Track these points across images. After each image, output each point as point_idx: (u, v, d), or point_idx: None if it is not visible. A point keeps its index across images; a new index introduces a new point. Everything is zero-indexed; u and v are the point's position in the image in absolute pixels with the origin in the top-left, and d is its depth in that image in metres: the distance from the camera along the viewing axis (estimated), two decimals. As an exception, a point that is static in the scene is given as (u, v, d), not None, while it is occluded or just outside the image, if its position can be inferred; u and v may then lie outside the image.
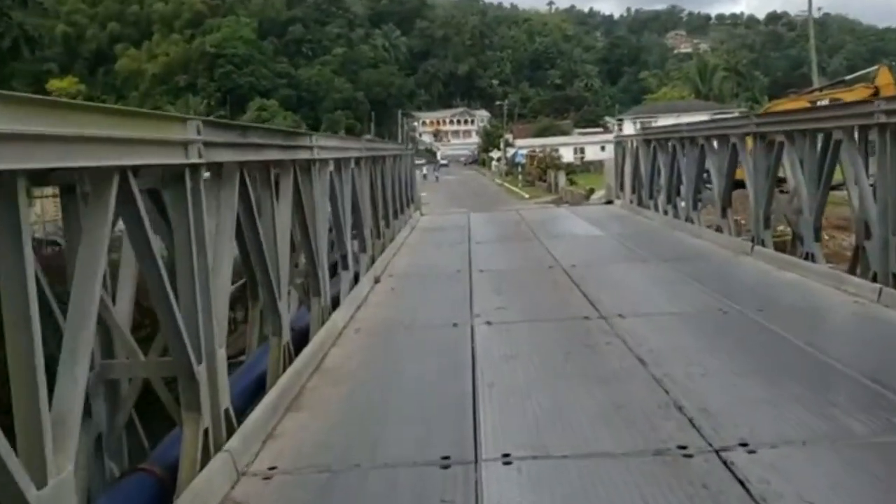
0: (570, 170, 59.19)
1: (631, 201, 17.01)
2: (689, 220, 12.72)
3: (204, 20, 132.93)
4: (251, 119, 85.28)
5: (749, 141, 10.83)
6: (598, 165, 76.05)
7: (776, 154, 9.27)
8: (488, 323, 6.82)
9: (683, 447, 3.90)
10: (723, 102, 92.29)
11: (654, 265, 9.63)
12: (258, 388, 5.47)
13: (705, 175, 12.50)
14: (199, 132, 3.93)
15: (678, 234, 12.40)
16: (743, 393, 4.66)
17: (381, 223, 11.67)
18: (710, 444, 3.92)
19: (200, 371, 3.91)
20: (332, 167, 7.77)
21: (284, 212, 5.86)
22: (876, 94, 26.33)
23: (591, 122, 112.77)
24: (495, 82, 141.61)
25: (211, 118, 4.32)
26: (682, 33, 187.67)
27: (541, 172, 62.71)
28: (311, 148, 6.81)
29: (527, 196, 50.15)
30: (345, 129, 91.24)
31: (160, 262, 3.55)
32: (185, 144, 3.85)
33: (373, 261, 10.11)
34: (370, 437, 4.29)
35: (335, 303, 7.70)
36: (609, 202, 18.95)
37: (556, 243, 11.96)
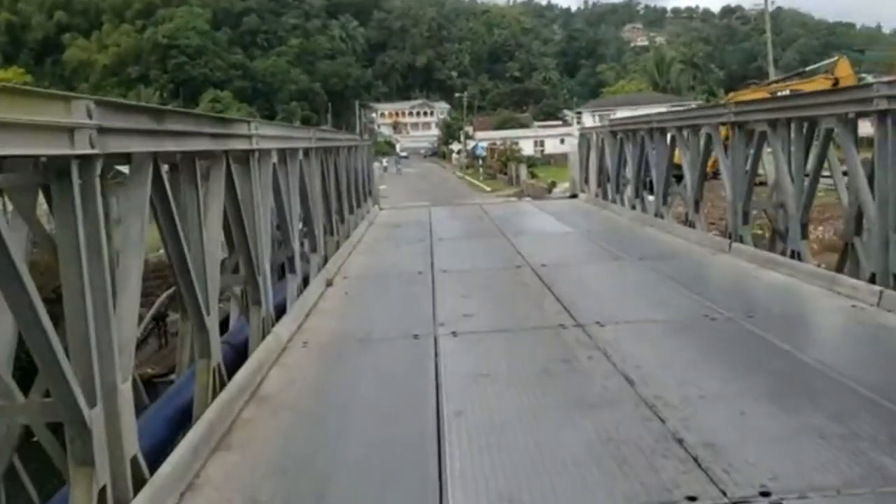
0: (530, 163, 58.57)
1: (596, 195, 16.42)
2: (658, 215, 12.14)
3: (156, 10, 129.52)
4: (204, 111, 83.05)
5: (723, 131, 10.28)
6: (558, 158, 75.98)
7: (757, 144, 8.68)
8: (453, 334, 6.08)
9: (693, 499, 3.21)
10: (680, 95, 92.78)
11: (628, 264, 8.99)
12: (184, 420, 4.65)
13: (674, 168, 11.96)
14: (89, 115, 3.10)
15: (649, 230, 11.80)
16: (753, 423, 3.99)
17: (335, 219, 10.85)
18: (725, 493, 3.24)
19: (95, 415, 3.10)
20: (275, 159, 6.94)
21: (214, 210, 5.03)
22: (836, 84, 26.28)
23: (550, 114, 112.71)
24: (454, 74, 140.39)
25: (108, 99, 3.47)
26: (639, 26, 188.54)
27: (502, 165, 62.12)
28: (249, 137, 5.98)
29: (488, 189, 49.42)
30: (301, 121, 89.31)
31: (25, 278, 2.72)
32: (70, 130, 3.02)
33: (325, 261, 9.29)
34: (312, 490, 3.52)
35: (281, 311, 6.89)
36: (574, 196, 18.36)
37: (523, 240, 11.28)
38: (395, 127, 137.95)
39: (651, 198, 13.73)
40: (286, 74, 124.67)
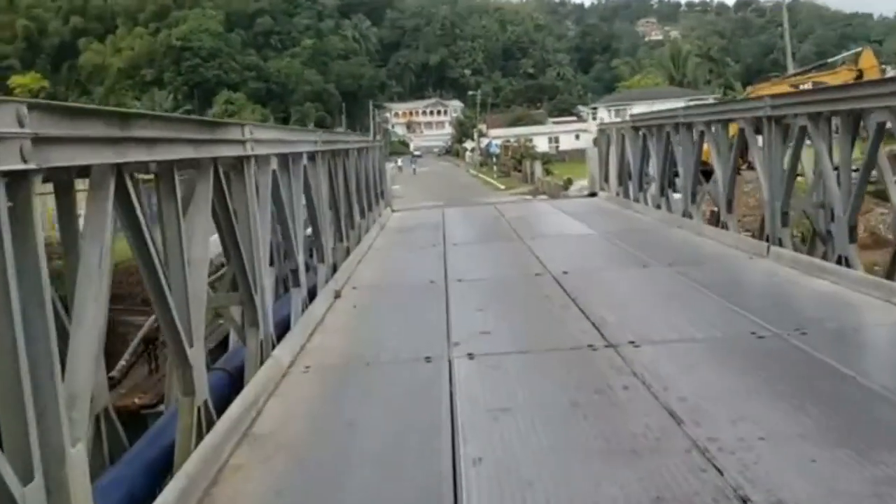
0: (545, 159, 57.74)
1: (617, 193, 15.74)
2: (686, 214, 11.47)
3: (169, 13, 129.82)
4: (218, 113, 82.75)
5: (732, 128, 9.73)
6: (573, 154, 75.20)
7: (797, 140, 8.01)
8: (470, 356, 5.48)
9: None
10: (697, 89, 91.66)
11: (658, 272, 8.33)
12: (167, 466, 4.09)
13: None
14: (20, 123, 2.52)
15: (677, 231, 11.13)
16: (827, 473, 3.35)
17: (345, 225, 10.29)
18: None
19: (30, 492, 2.46)
20: (275, 165, 6.37)
21: (199, 227, 4.45)
22: (860, 76, 25.42)
23: (565, 110, 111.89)
24: (468, 72, 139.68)
25: (48, 102, 2.90)
26: (653, 21, 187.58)
27: (516, 163, 61.42)
28: (242, 142, 5.41)
29: (502, 187, 48.79)
30: (315, 122, 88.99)
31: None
32: (-7, 141, 2.44)
33: (334, 270, 8.72)
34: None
35: (285, 328, 6.32)
36: (593, 194, 17.66)
37: (541, 244, 10.66)
38: (409, 126, 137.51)
39: (677, 196, 13.07)
40: (300, 75, 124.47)
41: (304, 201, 7.91)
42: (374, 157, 15.35)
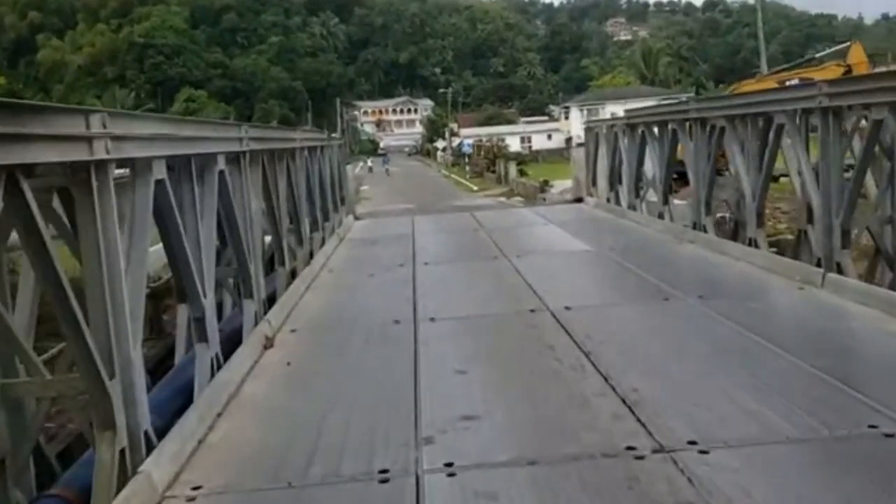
0: (519, 160, 55.78)
1: (608, 199, 13.91)
2: (700, 227, 9.64)
3: (132, 9, 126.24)
4: (179, 111, 79.94)
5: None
6: (545, 154, 73.55)
7: (868, 138, 6.18)
8: (448, 471, 3.53)
9: None
10: (668, 88, 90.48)
11: (686, 307, 6.43)
12: None
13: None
14: None
15: (691, 248, 9.26)
16: None
17: (288, 245, 8.27)
18: None
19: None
20: (161, 174, 4.34)
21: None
22: (848, 72, 23.86)
23: (536, 110, 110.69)
24: (438, 70, 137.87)
25: None
26: (622, 20, 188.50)
27: (489, 163, 59.39)
28: (88, 139, 3.39)
29: (475, 188, 46.81)
30: (279, 120, 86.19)
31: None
32: None
33: (265, 307, 6.71)
34: None
35: (188, 398, 4.35)
36: (578, 200, 15.82)
37: (530, 264, 8.74)
38: (379, 125, 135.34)
39: (678, 203, 11.28)
40: (266, 73, 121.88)
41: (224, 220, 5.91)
42: (331, 157, 13.32)
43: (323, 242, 10.87)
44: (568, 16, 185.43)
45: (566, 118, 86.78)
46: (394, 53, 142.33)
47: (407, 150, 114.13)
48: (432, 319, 6.47)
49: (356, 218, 15.26)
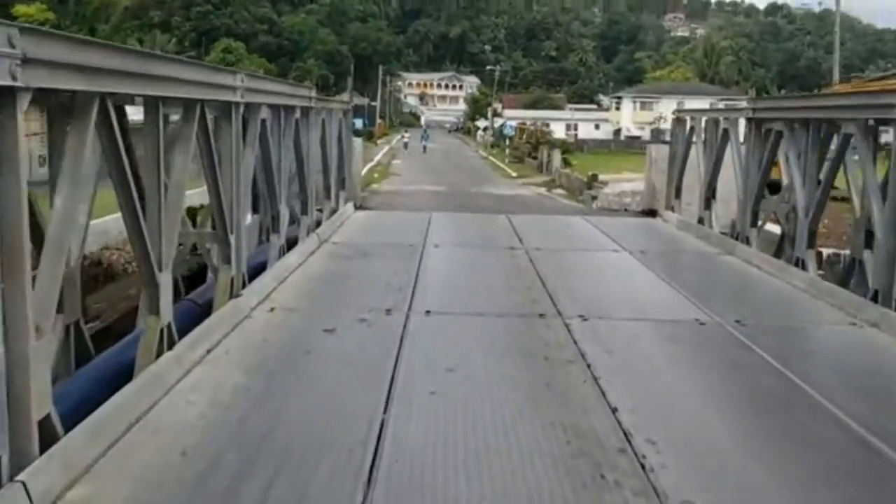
0: (564, 148, 53.34)
1: (701, 221, 10.76)
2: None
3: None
4: (214, 61, 78.48)
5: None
6: (591, 144, 71.11)
7: None
8: None
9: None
10: (727, 88, 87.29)
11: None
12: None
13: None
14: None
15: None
16: None
17: (237, 275, 6.25)
18: None
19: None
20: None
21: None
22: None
23: (584, 97, 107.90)
24: (488, 48, 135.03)
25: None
26: (681, 16, 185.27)
27: (531, 148, 57.11)
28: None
29: (514, 174, 44.50)
30: (316, 82, 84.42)
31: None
32: None
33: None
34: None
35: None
36: (651, 213, 12.90)
37: (611, 344, 5.55)
38: (422, 98, 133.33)
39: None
40: (314, 34, 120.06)
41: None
42: (331, 126, 10.47)
43: (286, 250, 7.80)
44: (626, 5, 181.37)
45: (617, 109, 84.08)
46: (445, 26, 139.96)
47: (448, 126, 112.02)
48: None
49: (357, 207, 12.47)
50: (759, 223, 9.38)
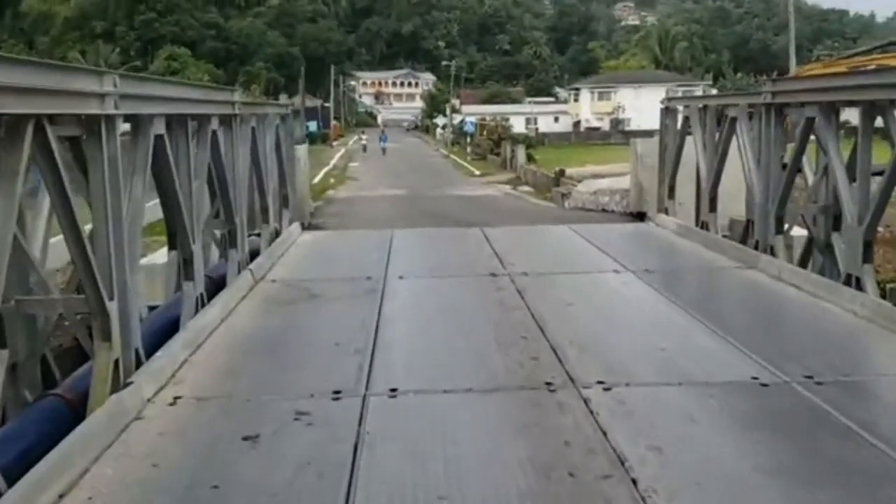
0: (528, 143, 51.82)
1: (703, 226, 9.31)
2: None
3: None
4: (159, 70, 75.59)
5: None
6: (552, 138, 69.87)
7: None
8: None
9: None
10: (682, 74, 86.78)
11: None
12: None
13: None
14: None
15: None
16: None
17: (123, 355, 4.47)
18: None
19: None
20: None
21: None
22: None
23: (541, 91, 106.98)
24: (441, 45, 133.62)
25: None
26: (630, 5, 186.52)
27: (493, 145, 55.59)
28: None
29: (478, 172, 42.97)
30: (265, 85, 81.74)
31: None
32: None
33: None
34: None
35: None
36: (640, 215, 11.44)
37: (643, 426, 4.09)
38: (378, 97, 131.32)
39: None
40: (263, 37, 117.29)
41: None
42: (269, 134, 8.92)
43: (207, 299, 5.95)
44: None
45: (576, 101, 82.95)
46: (396, 24, 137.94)
47: (405, 124, 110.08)
48: None
49: (306, 226, 10.83)
50: (786, 228, 7.87)
